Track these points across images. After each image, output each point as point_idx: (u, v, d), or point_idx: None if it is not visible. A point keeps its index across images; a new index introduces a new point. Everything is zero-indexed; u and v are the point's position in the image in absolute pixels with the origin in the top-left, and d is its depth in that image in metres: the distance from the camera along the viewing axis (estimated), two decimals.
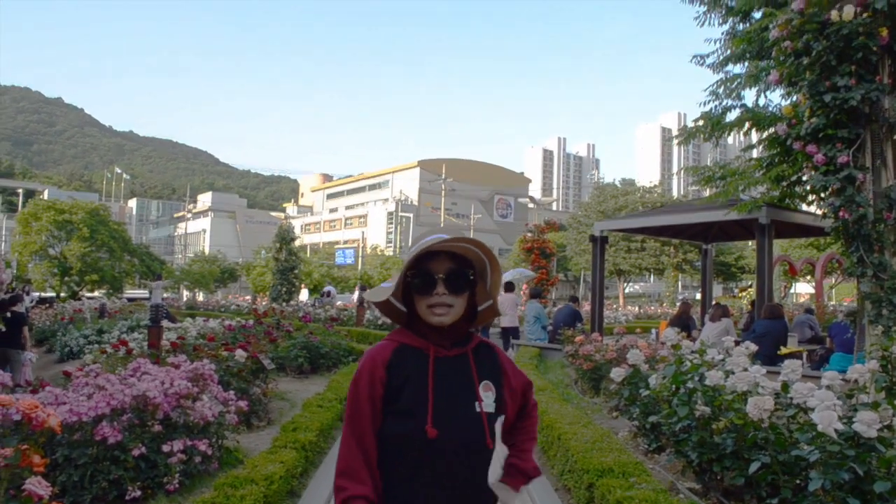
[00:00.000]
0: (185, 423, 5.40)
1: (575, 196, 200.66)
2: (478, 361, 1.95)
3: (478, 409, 1.87)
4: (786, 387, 4.38)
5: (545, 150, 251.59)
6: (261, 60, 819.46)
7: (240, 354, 7.82)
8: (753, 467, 3.93)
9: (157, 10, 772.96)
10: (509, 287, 15.81)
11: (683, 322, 12.53)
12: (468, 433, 1.85)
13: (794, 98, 8.46)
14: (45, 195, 56.37)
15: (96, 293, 33.30)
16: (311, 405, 7.24)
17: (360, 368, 1.92)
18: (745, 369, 4.80)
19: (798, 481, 3.95)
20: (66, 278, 31.16)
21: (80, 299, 27.20)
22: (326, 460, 6.17)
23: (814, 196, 9.24)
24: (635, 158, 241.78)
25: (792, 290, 43.29)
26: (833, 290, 38.48)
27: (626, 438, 6.41)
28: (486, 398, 1.90)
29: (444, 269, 1.89)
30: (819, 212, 9.26)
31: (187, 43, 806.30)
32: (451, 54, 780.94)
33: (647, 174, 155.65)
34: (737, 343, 6.37)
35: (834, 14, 7.02)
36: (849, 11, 6.92)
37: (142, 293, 37.24)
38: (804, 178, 9.61)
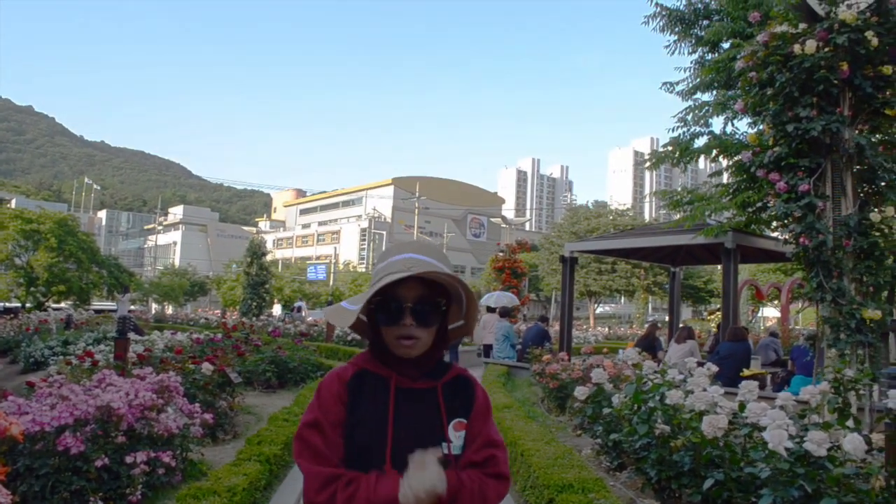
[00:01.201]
0: (150, 434, 5.39)
1: (548, 217, 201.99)
2: (448, 397, 1.74)
3: (445, 451, 1.66)
4: (742, 407, 4.50)
5: (519, 171, 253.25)
6: (236, 74, 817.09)
7: (206, 367, 7.81)
8: (707, 484, 4.03)
9: (131, 20, 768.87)
10: (504, 312, 15.99)
11: (649, 343, 12.68)
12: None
13: (760, 127, 8.70)
14: (13, 204, 55.45)
15: (63, 304, 32.82)
16: (278, 419, 7.24)
17: (320, 389, 1.75)
18: (705, 389, 4.92)
19: (753, 498, 4.06)
20: (32, 289, 30.66)
21: (45, 310, 26.80)
22: (291, 474, 6.17)
23: (777, 222, 9.47)
24: (608, 181, 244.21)
25: (760, 314, 43.92)
26: (800, 315, 39.09)
27: (590, 456, 6.49)
28: (456, 439, 1.70)
29: (414, 297, 1.68)
30: (786, 236, 9.49)
31: (162, 54, 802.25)
32: (427, 74, 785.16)
33: (619, 197, 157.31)
34: (700, 364, 6.51)
35: (797, 47, 7.24)
36: (811, 45, 7.14)
37: (109, 305, 36.76)
38: (769, 205, 9.85)
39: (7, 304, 30.21)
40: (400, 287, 1.67)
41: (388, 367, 1.73)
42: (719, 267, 12.80)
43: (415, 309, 1.67)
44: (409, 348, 1.68)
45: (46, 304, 31.14)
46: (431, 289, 1.71)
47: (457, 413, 1.73)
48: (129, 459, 4.99)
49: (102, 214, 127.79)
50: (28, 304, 30.53)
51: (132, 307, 35.07)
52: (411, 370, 1.72)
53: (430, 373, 1.75)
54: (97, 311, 28.67)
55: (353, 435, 1.67)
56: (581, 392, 6.81)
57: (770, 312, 48.73)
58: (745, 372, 9.69)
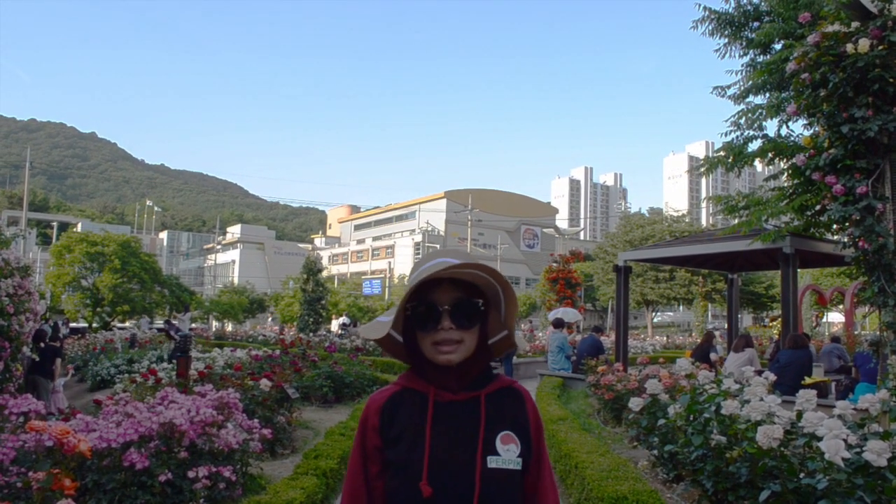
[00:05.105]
0: (211, 450, 5.53)
1: (602, 226, 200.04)
2: (493, 408, 1.65)
3: (493, 465, 1.58)
4: (800, 416, 4.41)
5: (572, 180, 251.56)
6: (290, 94, 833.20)
7: (264, 384, 7.97)
8: (764, 495, 3.96)
9: (188, 46, 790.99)
10: (559, 324, 15.93)
11: (705, 352, 12.45)
12: (474, 494, 1.55)
13: (815, 129, 8.51)
14: (79, 228, 57.48)
15: (127, 323, 33.82)
16: (334, 433, 7.34)
17: (361, 420, 1.74)
18: (762, 399, 4.83)
19: None
20: (98, 309, 31.72)
21: (111, 329, 27.65)
22: None
23: (837, 226, 9.22)
24: (664, 187, 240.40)
25: (825, 320, 42.61)
26: (867, 319, 37.82)
27: (646, 468, 6.42)
28: (506, 452, 1.60)
29: (450, 300, 1.61)
30: (844, 239, 9.26)
31: (218, 78, 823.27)
32: (478, 86, 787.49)
33: (675, 203, 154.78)
34: (758, 373, 6.39)
35: (850, 47, 7.08)
36: (864, 44, 6.97)
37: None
38: (827, 208, 9.61)
39: (75, 324, 31.26)
40: (435, 291, 1.62)
41: (428, 381, 1.65)
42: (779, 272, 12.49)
43: (452, 311, 1.60)
44: (450, 353, 1.60)
45: (112, 323, 32.13)
46: (467, 291, 1.65)
47: (503, 425, 1.63)
48: (191, 474, 5.14)
49: (164, 235, 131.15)
50: (94, 324, 31.54)
51: (193, 325, 35.87)
52: (452, 382, 1.64)
53: (473, 384, 1.66)
54: (160, 330, 29.47)
55: (391, 454, 1.62)
56: (635, 403, 6.74)
57: (836, 318, 47.23)
58: (807, 380, 9.45)
